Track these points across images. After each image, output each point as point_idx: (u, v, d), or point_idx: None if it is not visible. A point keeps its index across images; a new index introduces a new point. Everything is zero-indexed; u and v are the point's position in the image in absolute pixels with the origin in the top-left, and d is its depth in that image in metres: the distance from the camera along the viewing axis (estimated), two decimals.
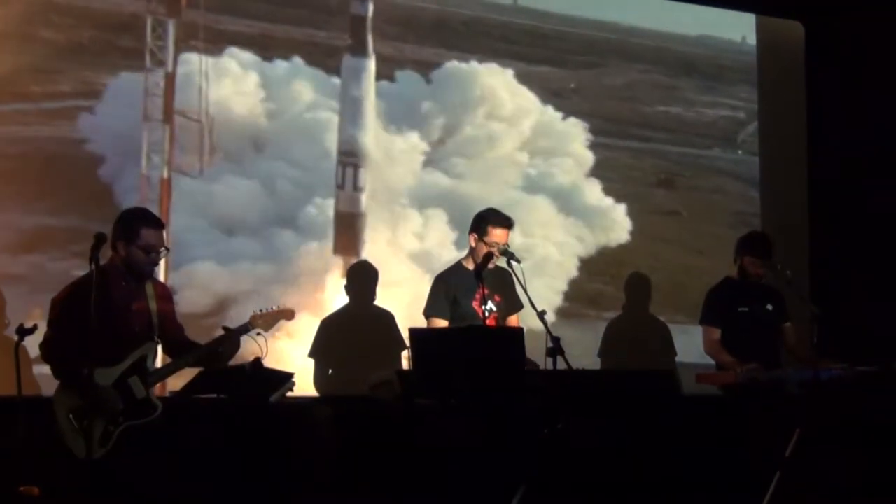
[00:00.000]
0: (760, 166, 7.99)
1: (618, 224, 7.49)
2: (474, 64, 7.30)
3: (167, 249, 5.07)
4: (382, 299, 6.56)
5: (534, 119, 7.38)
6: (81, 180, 6.22)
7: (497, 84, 7.33)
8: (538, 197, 7.30)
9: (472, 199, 6.85)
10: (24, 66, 6.16)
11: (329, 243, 6.77)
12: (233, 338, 5.04)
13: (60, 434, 4.71)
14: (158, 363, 5.11)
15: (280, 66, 6.80)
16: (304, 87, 6.87)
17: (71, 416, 4.70)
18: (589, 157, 7.49)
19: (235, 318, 5.27)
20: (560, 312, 7.17)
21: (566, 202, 7.37)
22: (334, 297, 6.67)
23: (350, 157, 6.94)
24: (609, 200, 7.50)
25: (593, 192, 7.45)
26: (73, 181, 6.21)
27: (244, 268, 6.50)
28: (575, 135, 7.49)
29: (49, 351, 4.84)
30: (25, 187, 6.10)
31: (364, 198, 6.91)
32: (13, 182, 6.08)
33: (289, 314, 5.24)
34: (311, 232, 6.72)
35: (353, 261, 6.77)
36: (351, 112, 6.97)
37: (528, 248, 6.89)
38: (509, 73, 7.36)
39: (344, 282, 6.68)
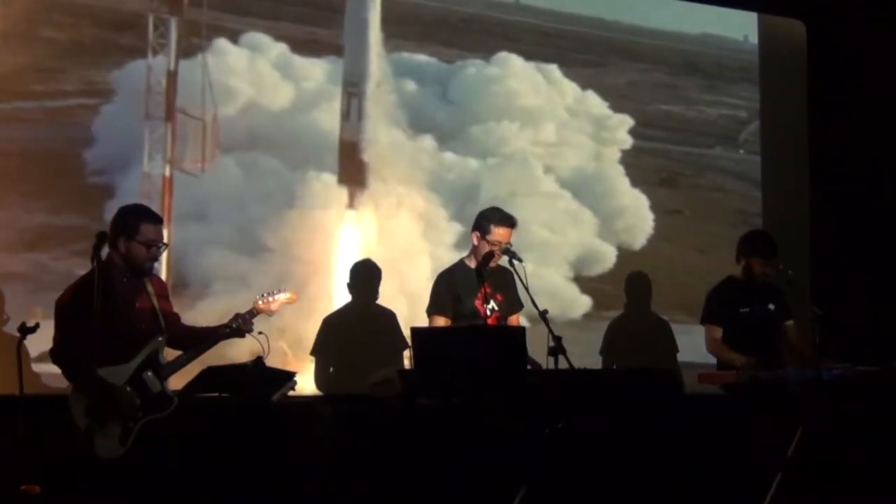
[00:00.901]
0: (762, 165, 7.98)
1: (619, 223, 7.48)
2: (477, 62, 7.29)
3: (166, 245, 5.08)
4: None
5: (535, 117, 7.36)
6: (83, 179, 6.22)
7: (500, 82, 7.31)
8: (539, 194, 7.28)
9: (477, 195, 6.85)
10: (26, 64, 6.16)
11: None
12: (245, 317, 5.09)
13: (79, 434, 4.71)
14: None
15: (282, 63, 6.80)
16: (307, 83, 6.87)
17: (88, 416, 4.71)
18: (590, 156, 7.48)
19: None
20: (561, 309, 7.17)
21: (567, 200, 7.35)
22: (339, 228, 6.73)
23: (355, 87, 6.95)
24: (610, 199, 7.49)
25: (595, 190, 7.44)
26: (75, 180, 6.21)
27: (249, 262, 6.50)
28: (576, 133, 7.48)
29: (58, 355, 4.84)
30: (27, 186, 6.10)
31: (369, 127, 6.92)
32: (15, 180, 6.07)
33: (290, 297, 5.27)
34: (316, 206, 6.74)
35: (359, 191, 6.81)
36: (356, 41, 6.97)
37: (529, 247, 6.88)
38: (512, 72, 7.35)
39: (350, 212, 6.70)
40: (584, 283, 7.35)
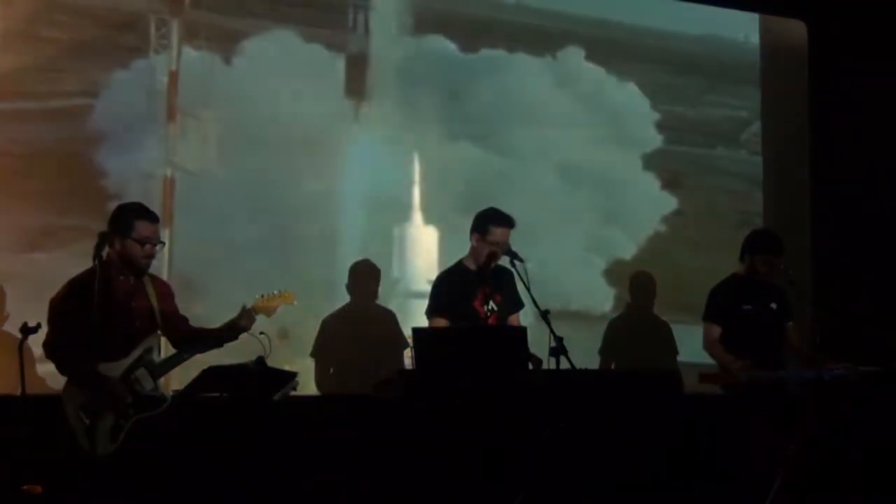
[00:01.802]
0: (763, 165, 7.97)
1: (618, 222, 7.46)
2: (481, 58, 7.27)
3: (163, 243, 5.06)
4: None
5: (538, 116, 7.34)
6: (84, 179, 6.21)
7: (502, 81, 7.29)
8: (541, 193, 7.26)
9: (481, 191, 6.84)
10: (28, 64, 6.16)
11: None
12: (244, 316, 5.09)
13: (71, 431, 4.73)
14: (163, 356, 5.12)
15: (283, 64, 6.79)
16: (308, 84, 6.87)
17: (81, 412, 4.72)
18: (592, 156, 7.47)
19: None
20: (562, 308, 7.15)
21: (569, 200, 7.34)
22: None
23: (362, 0, 6.98)
24: (610, 198, 7.48)
25: (596, 190, 7.43)
26: (76, 180, 6.20)
27: (250, 263, 6.49)
28: (579, 133, 7.47)
29: (52, 349, 4.85)
30: (28, 185, 6.09)
31: (374, 42, 6.96)
32: (16, 180, 6.07)
33: (289, 298, 5.26)
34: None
35: (364, 105, 6.87)
36: None
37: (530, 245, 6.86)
38: (512, 71, 7.34)
39: (355, 126, 6.80)
40: (589, 283, 7.30)
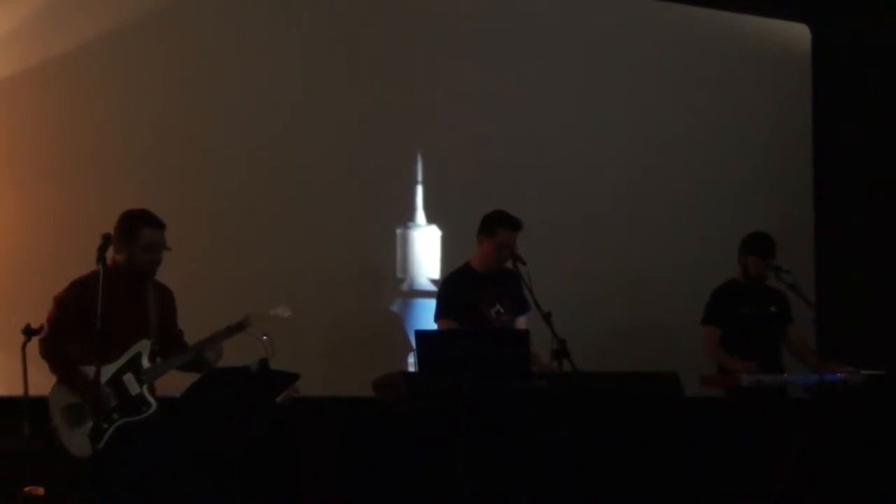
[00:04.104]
0: (766, 169, 7.96)
1: (620, 224, 7.47)
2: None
3: (168, 249, 5.06)
4: None
5: (542, 116, 7.34)
6: (88, 180, 6.20)
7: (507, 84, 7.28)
8: (541, 194, 7.26)
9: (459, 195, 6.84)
10: None
11: None
12: (219, 339, 5.04)
13: (54, 431, 4.73)
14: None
15: None
16: None
17: (65, 412, 4.72)
18: (593, 158, 7.46)
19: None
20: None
21: (570, 201, 7.33)
22: None
23: None
24: (612, 200, 7.48)
25: (596, 191, 7.43)
26: (80, 181, 6.18)
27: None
28: (579, 135, 7.46)
29: (47, 348, 4.85)
30: (31, 185, 6.08)
31: None
32: (19, 179, 6.05)
33: (283, 312, 5.22)
34: None
35: None
36: None
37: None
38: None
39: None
40: (580, 284, 7.26)
